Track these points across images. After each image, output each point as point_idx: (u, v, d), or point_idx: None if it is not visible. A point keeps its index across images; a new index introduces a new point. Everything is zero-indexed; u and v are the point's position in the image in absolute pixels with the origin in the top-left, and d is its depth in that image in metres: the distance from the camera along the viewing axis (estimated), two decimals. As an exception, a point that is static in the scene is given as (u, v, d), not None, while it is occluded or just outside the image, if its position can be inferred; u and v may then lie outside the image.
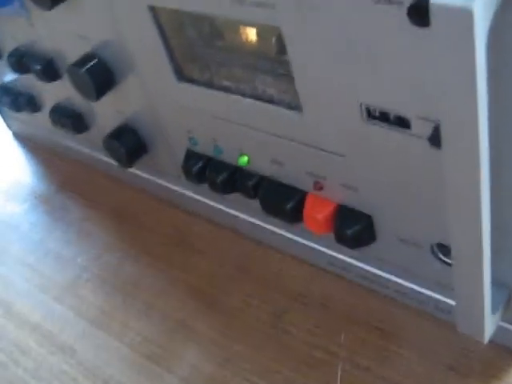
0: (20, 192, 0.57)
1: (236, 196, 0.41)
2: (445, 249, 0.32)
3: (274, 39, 0.33)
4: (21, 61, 0.50)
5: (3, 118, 0.64)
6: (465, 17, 0.20)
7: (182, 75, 0.39)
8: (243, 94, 0.36)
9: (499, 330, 0.31)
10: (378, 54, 0.27)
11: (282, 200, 0.38)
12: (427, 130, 0.28)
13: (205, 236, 0.47)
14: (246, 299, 0.42)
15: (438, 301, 0.35)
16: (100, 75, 0.43)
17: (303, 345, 0.38)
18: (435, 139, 0.27)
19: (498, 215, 0.27)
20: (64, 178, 0.57)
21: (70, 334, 0.44)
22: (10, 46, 0.51)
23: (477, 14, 0.19)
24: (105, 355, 0.42)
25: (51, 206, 0.55)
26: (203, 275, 0.44)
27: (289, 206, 0.37)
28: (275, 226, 0.42)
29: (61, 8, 0.40)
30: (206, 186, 0.42)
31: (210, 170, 0.41)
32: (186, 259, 0.46)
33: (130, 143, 0.46)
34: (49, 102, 0.54)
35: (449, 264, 0.33)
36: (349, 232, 0.35)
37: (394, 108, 0.28)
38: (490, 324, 0.29)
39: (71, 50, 0.45)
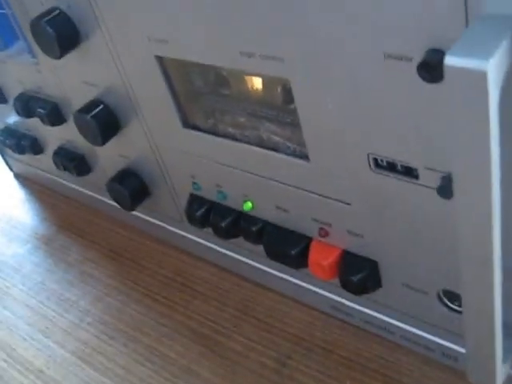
0: (22, 233, 0.56)
1: (239, 240, 0.41)
2: (451, 295, 0.32)
3: (280, 89, 0.33)
4: (26, 105, 0.50)
5: (4, 159, 0.63)
6: (479, 77, 0.20)
7: (187, 122, 0.39)
8: (248, 142, 0.36)
9: (509, 378, 0.31)
10: (387, 107, 0.27)
11: (287, 246, 0.37)
12: (435, 181, 0.28)
13: (207, 279, 0.47)
14: (249, 343, 0.41)
15: (445, 347, 0.35)
16: (105, 121, 0.43)
17: (308, 391, 0.37)
18: (444, 190, 0.27)
19: (508, 262, 0.27)
20: (64, 219, 0.57)
21: (74, 380, 0.42)
22: (16, 91, 0.51)
23: (490, 74, 0.19)
24: (107, 402, 0.41)
25: (52, 247, 0.54)
26: (206, 319, 0.44)
27: (294, 251, 0.37)
28: (278, 270, 0.42)
29: (69, 56, 0.40)
30: (208, 230, 0.42)
31: (214, 215, 0.41)
32: (188, 303, 0.45)
33: (132, 187, 0.46)
34: (52, 145, 0.54)
35: (455, 310, 0.32)
36: (354, 278, 0.34)
37: (402, 158, 0.28)
38: (500, 373, 0.29)
39: (77, 96, 0.45)
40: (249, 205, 0.39)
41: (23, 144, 0.56)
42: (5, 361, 0.45)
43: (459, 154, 0.22)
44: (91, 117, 0.42)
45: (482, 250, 0.24)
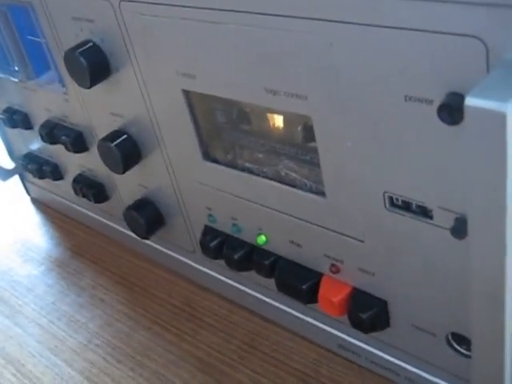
0: (36, 255, 0.56)
1: (250, 273, 0.41)
2: (460, 338, 0.31)
3: (301, 127, 0.33)
4: (51, 132, 0.51)
5: (23, 183, 0.64)
6: (499, 118, 0.20)
7: (207, 154, 0.39)
8: (266, 177, 0.36)
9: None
10: (404, 147, 0.27)
11: (298, 280, 0.37)
12: (449, 221, 0.27)
13: (215, 311, 0.46)
14: (255, 376, 0.40)
15: (450, 390, 0.34)
16: (128, 150, 0.43)
17: (311, 427, 0.36)
18: (457, 231, 0.27)
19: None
20: (79, 244, 0.56)
21: (78, 400, 0.42)
22: (42, 118, 0.52)
23: (510, 116, 0.20)
24: (111, 426, 0.40)
25: (66, 271, 0.54)
26: (212, 349, 0.43)
27: (305, 286, 0.37)
28: (287, 305, 0.42)
29: (98, 87, 0.41)
30: (221, 261, 0.42)
31: (228, 247, 0.41)
32: (196, 333, 0.45)
33: (149, 215, 0.46)
34: (72, 172, 0.54)
35: (463, 354, 0.32)
36: (363, 316, 0.34)
37: (417, 198, 0.28)
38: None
39: (102, 126, 0.45)
40: (262, 238, 0.39)
41: (44, 169, 0.56)
42: (14, 375, 0.45)
43: (475, 196, 0.22)
44: (115, 145, 0.42)
45: (493, 293, 0.24)
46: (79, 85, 0.41)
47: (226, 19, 0.31)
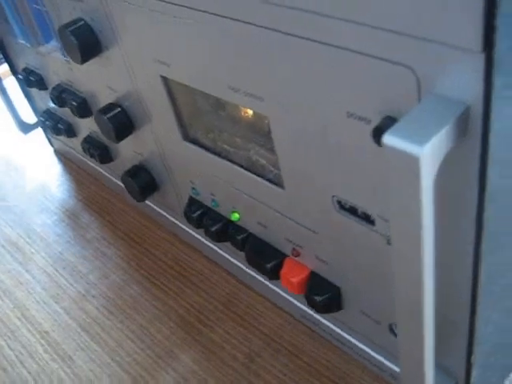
0: (51, 205, 0.57)
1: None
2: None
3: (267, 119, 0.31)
4: (60, 96, 0.50)
5: (47, 136, 0.63)
6: (412, 161, 0.18)
7: (187, 135, 0.37)
8: (239, 162, 0.35)
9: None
10: (348, 158, 0.25)
11: (264, 258, 0.36)
12: (388, 230, 0.26)
13: (200, 271, 0.46)
14: (226, 336, 0.41)
15: (393, 370, 0.33)
16: (120, 123, 0.42)
17: (269, 389, 0.37)
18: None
19: (449, 311, 0.25)
20: (91, 198, 0.57)
21: (72, 344, 0.43)
22: (53, 81, 0.51)
23: (424, 160, 0.18)
24: (97, 370, 0.41)
25: (76, 223, 0.54)
26: (193, 308, 0.43)
27: (269, 265, 0.36)
28: (257, 273, 0.41)
29: (92, 62, 0.39)
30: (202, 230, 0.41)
31: (207, 219, 0.40)
32: (182, 291, 0.45)
33: (142, 181, 0.45)
34: (83, 132, 0.53)
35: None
36: (318, 299, 0.33)
37: (361, 205, 0.27)
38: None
39: (100, 96, 0.44)
40: (236, 216, 0.38)
41: (60, 127, 0.55)
42: (19, 319, 0.46)
43: (394, 219, 0.21)
44: (108, 118, 0.41)
45: (412, 303, 0.23)
46: (73, 60, 0.39)
47: (192, 17, 0.28)
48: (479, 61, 0.17)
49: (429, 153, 0.18)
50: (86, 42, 0.38)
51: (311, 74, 0.24)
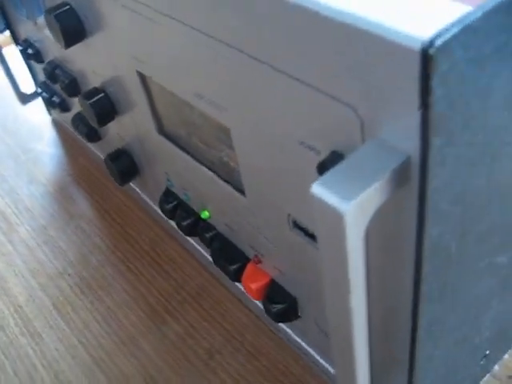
0: (42, 177, 0.56)
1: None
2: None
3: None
4: (54, 71, 0.49)
5: (45, 105, 0.62)
6: (337, 216, 0.17)
7: (161, 129, 0.36)
8: (206, 164, 0.33)
9: None
10: (299, 181, 0.24)
11: (228, 260, 0.35)
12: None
13: (176, 260, 0.45)
14: (190, 330, 0.40)
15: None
16: (103, 108, 0.41)
17: (224, 387, 0.36)
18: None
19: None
20: (80, 173, 0.56)
21: (43, 322, 0.43)
22: (48, 56, 0.50)
23: (349, 217, 0.16)
24: (63, 350, 0.41)
25: (62, 197, 0.53)
26: (162, 297, 0.43)
27: (232, 267, 0.35)
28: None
29: (78, 47, 0.38)
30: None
31: (180, 212, 0.39)
32: (154, 278, 0.44)
33: (124, 166, 0.45)
34: (75, 108, 0.52)
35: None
36: (274, 308, 0.33)
37: (313, 228, 0.26)
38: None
39: (87, 79, 0.43)
40: (206, 213, 0.37)
41: (54, 100, 0.54)
42: (-4, 291, 0.46)
43: (324, 269, 0.19)
44: (90, 104, 0.40)
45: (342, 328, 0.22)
46: (58, 43, 0.38)
47: (163, 21, 0.27)
48: (416, 118, 0.16)
49: (356, 209, 0.16)
50: (71, 28, 0.37)
51: (269, 97, 0.23)
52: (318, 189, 0.17)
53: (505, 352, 0.35)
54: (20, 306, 0.44)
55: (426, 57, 0.14)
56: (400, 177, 0.17)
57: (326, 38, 0.17)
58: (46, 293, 0.45)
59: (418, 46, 0.14)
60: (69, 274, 0.46)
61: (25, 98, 0.60)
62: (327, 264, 0.19)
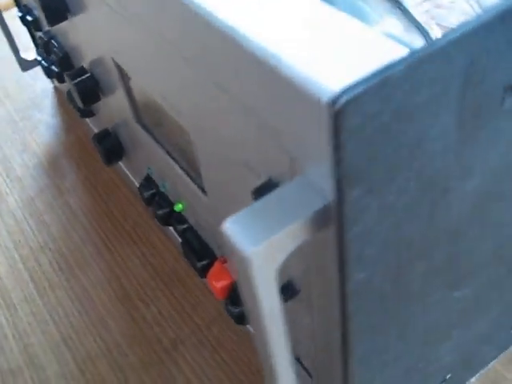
0: (36, 148, 0.56)
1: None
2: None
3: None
4: (48, 43, 0.48)
5: (45, 74, 0.62)
6: (244, 259, 0.16)
7: (139, 118, 0.36)
8: (176, 159, 0.33)
9: None
10: (246, 193, 0.23)
11: (197, 256, 0.35)
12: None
13: (155, 245, 0.45)
14: (158, 317, 0.40)
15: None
16: (87, 89, 0.40)
17: (184, 379, 0.37)
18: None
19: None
20: (74, 145, 0.56)
21: (19, 294, 0.44)
22: (45, 26, 0.49)
23: (257, 260, 0.16)
24: (34, 324, 0.41)
25: (53, 169, 0.53)
26: (136, 281, 0.43)
27: (199, 264, 0.35)
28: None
29: (64, 24, 0.37)
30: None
31: (157, 200, 0.39)
32: (131, 260, 0.44)
33: (110, 146, 0.44)
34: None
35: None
36: (234, 310, 0.32)
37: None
38: None
39: (78, 57, 0.42)
40: (179, 206, 0.37)
41: (52, 70, 0.54)
42: (-23, 258, 0.47)
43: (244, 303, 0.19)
44: (74, 84, 0.40)
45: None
46: (45, 20, 0.37)
47: (130, 17, 0.26)
48: (329, 169, 0.15)
49: (264, 252, 0.16)
50: (53, 6, 0.36)
51: (215, 111, 0.22)
52: (230, 227, 0.16)
53: (471, 376, 0.34)
54: (0, 278, 0.45)
55: (334, 111, 0.13)
56: (320, 220, 0.16)
57: (251, 70, 0.16)
58: (26, 266, 0.45)
59: (325, 99, 0.13)
60: (50, 249, 0.46)
61: (26, 65, 0.59)
62: (243, 296, 0.18)
